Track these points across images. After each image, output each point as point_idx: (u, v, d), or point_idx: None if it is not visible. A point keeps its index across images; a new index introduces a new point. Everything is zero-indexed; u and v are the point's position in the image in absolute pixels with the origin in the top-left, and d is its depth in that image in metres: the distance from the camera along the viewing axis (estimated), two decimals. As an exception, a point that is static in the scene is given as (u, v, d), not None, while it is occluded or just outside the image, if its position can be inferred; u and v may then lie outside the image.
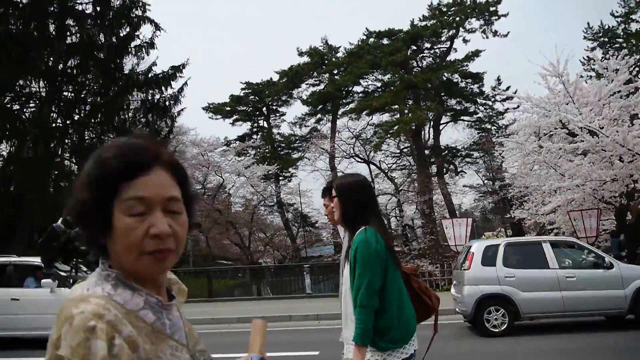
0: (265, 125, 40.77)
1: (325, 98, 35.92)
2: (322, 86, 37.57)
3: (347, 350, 2.43)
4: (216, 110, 39.14)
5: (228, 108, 39.24)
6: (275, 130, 40.44)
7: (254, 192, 33.44)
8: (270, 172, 33.29)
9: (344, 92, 35.72)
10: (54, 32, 18.96)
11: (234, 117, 39.84)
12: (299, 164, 37.25)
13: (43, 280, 9.02)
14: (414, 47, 33.16)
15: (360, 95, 35.66)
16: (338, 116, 36.31)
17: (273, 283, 21.79)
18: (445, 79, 31.65)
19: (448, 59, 32.71)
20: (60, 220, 1.62)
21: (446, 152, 33.20)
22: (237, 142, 37.03)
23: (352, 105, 34.86)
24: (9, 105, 18.97)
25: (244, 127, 41.49)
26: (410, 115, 28.19)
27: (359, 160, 33.66)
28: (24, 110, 19.73)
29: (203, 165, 30.01)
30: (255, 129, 40.96)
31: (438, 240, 25.17)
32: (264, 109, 40.52)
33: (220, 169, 30.32)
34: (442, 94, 32.02)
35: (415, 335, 2.34)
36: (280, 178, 37.69)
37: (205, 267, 22.86)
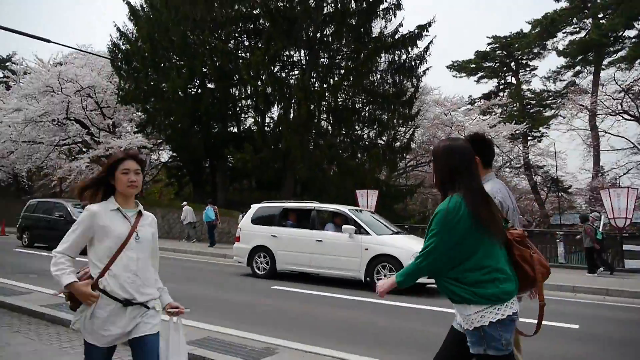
0: (514, 81, 38.11)
1: (586, 47, 31.55)
2: (582, 33, 33.09)
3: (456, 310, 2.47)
4: (460, 68, 38.06)
5: (473, 65, 37.78)
6: (524, 87, 37.50)
7: (499, 152, 31.79)
8: (517, 132, 31.09)
9: (611, 39, 30.73)
10: (313, 4, 20.78)
11: (479, 74, 38.21)
12: (551, 122, 33.94)
13: (344, 226, 9.94)
14: None
15: (634, 40, 30.16)
16: (602, 67, 31.61)
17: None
18: None
19: None
20: None
21: None
22: (482, 100, 35.51)
23: (621, 53, 29.84)
24: (278, 74, 21.75)
25: (489, 85, 39.62)
26: None
27: (628, 117, 28.87)
28: (289, 76, 22.37)
29: (446, 124, 29.72)
30: (502, 86, 38.67)
31: None
32: (513, 64, 37.81)
33: (464, 129, 29.52)
34: None
35: (515, 299, 2.31)
36: (529, 138, 34.96)
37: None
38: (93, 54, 23.07)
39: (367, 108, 21.86)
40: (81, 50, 22.67)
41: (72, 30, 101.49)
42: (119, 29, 23.93)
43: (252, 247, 10.90)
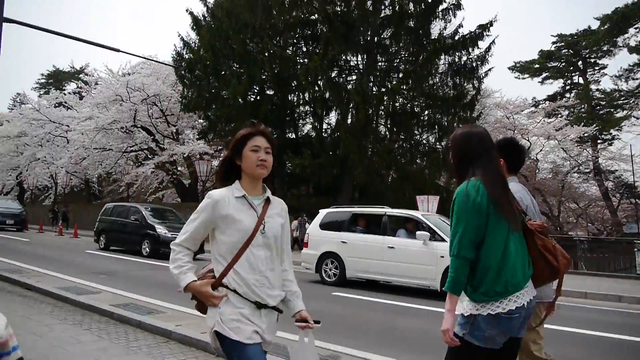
0: (581, 81, 36.32)
1: (663, 43, 29.56)
2: (658, 29, 31.05)
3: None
4: (523, 68, 36.75)
5: (536, 65, 36.37)
6: (593, 87, 35.68)
7: (566, 157, 30.39)
8: (586, 135, 29.60)
9: (691, 33, 28.70)
10: (370, 8, 20.67)
11: (544, 74, 36.74)
12: (623, 124, 32.04)
13: (418, 232, 9.46)
14: None
15: None
16: (681, 63, 29.53)
17: (586, 258, 19.58)
18: None
19: None
20: None
21: None
22: (547, 102, 34.07)
23: (703, 49, 27.71)
24: (335, 79, 21.74)
25: (554, 86, 38.05)
26: None
27: None
28: (347, 81, 22.32)
29: (508, 128, 28.76)
30: (568, 87, 36.98)
31: None
32: (580, 63, 36.06)
33: (527, 132, 28.48)
34: None
35: (521, 293, 2.20)
36: (599, 141, 33.14)
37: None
38: (159, 62, 23.98)
39: (427, 112, 21.44)
40: (148, 59, 23.57)
41: (139, 42, 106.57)
42: (182, 39, 24.78)
43: (321, 254, 10.63)
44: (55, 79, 53.65)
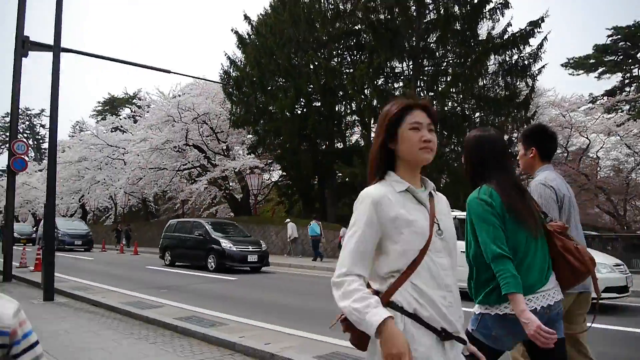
0: (642, 73, 34.57)
1: None
2: None
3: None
4: (577, 64, 35.34)
5: (592, 60, 34.92)
6: (656, 78, 33.84)
7: (630, 153, 28.79)
8: (651, 129, 27.97)
9: None
10: (414, 14, 20.41)
11: (600, 69, 35.18)
12: (692, 115, 30.03)
13: None
14: None
15: None
16: None
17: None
18: None
19: None
20: None
21: None
22: (605, 97, 32.54)
23: None
24: (382, 86, 21.55)
25: (612, 80, 36.31)
26: None
27: None
28: (394, 88, 22.07)
29: (564, 126, 27.58)
30: (627, 80, 35.20)
31: None
32: (639, 55, 34.27)
33: (586, 129, 27.21)
34: None
35: (534, 296, 2.13)
36: (666, 135, 31.24)
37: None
38: (207, 80, 24.57)
39: (478, 114, 20.87)
40: (197, 78, 24.18)
41: (188, 64, 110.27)
42: (229, 58, 25.33)
43: None
44: (111, 106, 56.16)
